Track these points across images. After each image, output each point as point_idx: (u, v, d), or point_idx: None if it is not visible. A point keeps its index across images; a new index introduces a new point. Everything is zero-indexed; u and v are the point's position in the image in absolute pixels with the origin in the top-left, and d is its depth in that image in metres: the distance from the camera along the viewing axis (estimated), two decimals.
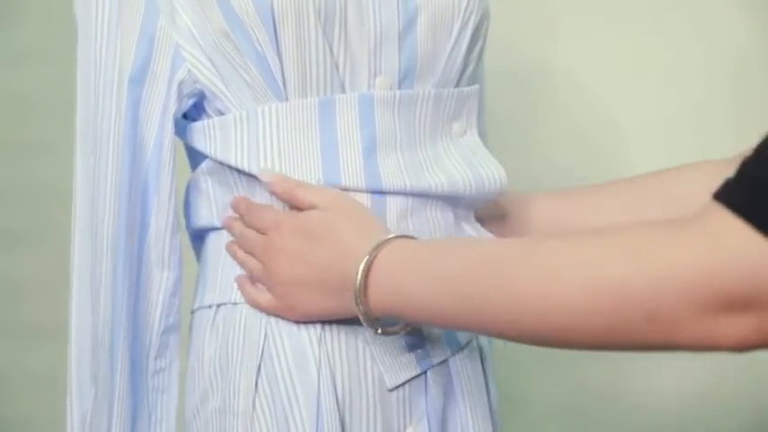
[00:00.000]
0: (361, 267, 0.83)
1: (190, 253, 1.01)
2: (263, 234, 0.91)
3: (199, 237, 0.99)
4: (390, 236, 0.85)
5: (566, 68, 1.52)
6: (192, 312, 0.98)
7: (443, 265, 0.81)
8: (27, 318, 1.63)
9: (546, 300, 0.72)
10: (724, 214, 0.65)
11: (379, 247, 0.84)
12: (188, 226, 1.00)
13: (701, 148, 1.49)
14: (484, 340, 1.00)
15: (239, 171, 0.92)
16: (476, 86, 0.98)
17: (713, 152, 1.49)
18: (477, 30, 0.96)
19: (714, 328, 0.66)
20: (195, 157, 0.97)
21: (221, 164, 0.93)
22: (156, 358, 0.95)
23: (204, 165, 0.96)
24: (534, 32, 1.48)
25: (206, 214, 0.96)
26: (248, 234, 0.92)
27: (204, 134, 0.93)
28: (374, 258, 0.84)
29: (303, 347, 0.89)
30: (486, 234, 0.99)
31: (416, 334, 0.92)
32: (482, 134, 1.01)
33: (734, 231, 0.64)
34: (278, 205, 0.92)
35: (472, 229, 0.98)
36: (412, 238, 0.87)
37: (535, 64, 1.48)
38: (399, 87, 0.92)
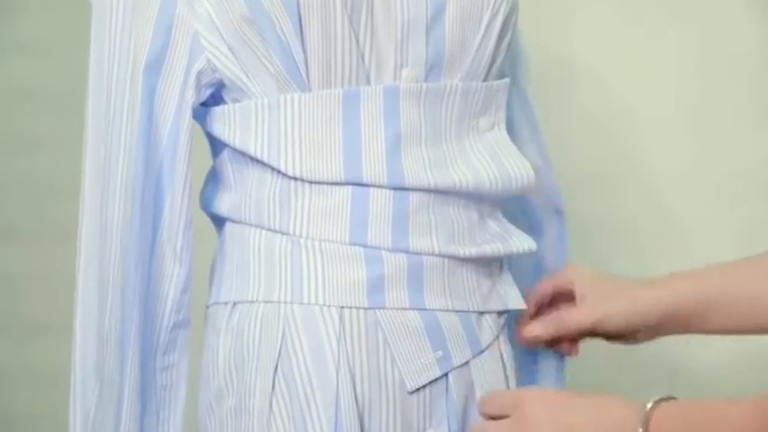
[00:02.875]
0: None
1: (197, 248, 0.97)
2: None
3: (218, 221, 0.97)
4: (649, 404, 0.84)
5: (584, 64, 1.51)
6: (207, 307, 0.96)
7: None
8: (25, 313, 1.62)
9: None
10: None
11: (647, 416, 0.84)
12: (205, 209, 0.97)
13: (721, 144, 1.49)
14: (505, 344, 0.98)
15: (259, 161, 0.90)
16: (505, 80, 0.96)
17: (733, 148, 1.50)
18: (506, 21, 0.94)
19: None
20: (216, 144, 0.95)
21: (242, 153, 0.91)
22: (164, 354, 0.93)
23: (225, 153, 0.93)
24: (551, 29, 1.48)
25: (227, 205, 0.94)
26: (489, 428, 0.91)
27: (224, 120, 0.91)
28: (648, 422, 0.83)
29: (322, 347, 0.87)
30: (510, 228, 0.97)
31: (438, 335, 0.90)
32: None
33: None
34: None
35: (498, 226, 0.96)
36: (670, 399, 0.85)
37: (553, 60, 1.47)
38: (426, 80, 0.90)
